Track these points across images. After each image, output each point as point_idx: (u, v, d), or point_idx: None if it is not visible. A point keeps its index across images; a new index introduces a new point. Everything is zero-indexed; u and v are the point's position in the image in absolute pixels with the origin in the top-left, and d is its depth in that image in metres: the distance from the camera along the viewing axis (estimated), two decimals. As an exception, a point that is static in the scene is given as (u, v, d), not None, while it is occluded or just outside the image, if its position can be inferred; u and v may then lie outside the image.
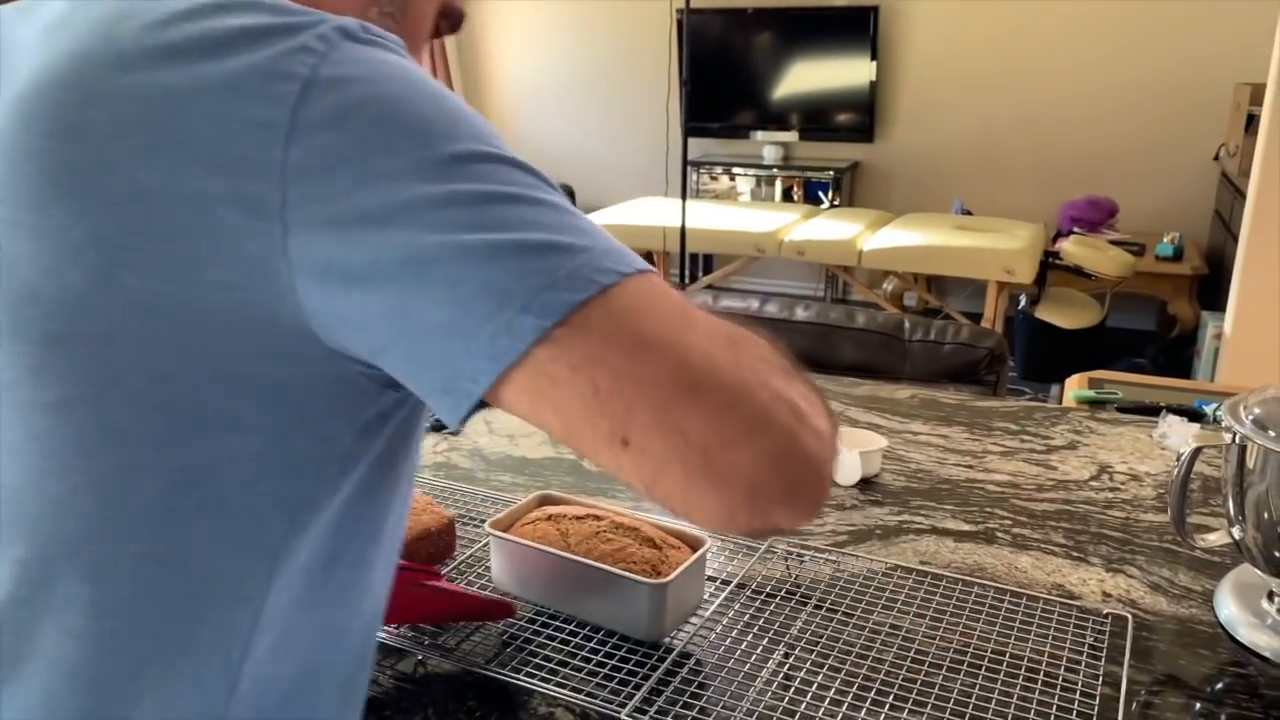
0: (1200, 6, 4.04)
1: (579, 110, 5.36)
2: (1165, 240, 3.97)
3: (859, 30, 4.58)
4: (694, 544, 0.88)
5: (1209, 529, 0.94)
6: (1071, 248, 3.57)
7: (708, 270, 4.93)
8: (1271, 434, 0.82)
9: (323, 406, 0.49)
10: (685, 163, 3.69)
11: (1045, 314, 3.68)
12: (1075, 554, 1.02)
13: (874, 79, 4.62)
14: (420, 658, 0.84)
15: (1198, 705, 0.78)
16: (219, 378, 0.47)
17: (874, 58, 4.59)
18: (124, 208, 0.45)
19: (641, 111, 5.00)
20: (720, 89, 4.92)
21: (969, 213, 4.38)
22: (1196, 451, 0.89)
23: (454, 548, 0.98)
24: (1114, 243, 3.86)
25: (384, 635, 0.86)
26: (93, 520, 0.48)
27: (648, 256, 4.45)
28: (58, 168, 0.47)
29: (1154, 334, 4.20)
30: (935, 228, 3.89)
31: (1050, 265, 3.68)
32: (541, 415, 0.46)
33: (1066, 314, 3.67)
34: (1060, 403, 2.48)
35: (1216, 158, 4.09)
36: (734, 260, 4.48)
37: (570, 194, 5.29)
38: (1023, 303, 3.81)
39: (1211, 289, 3.77)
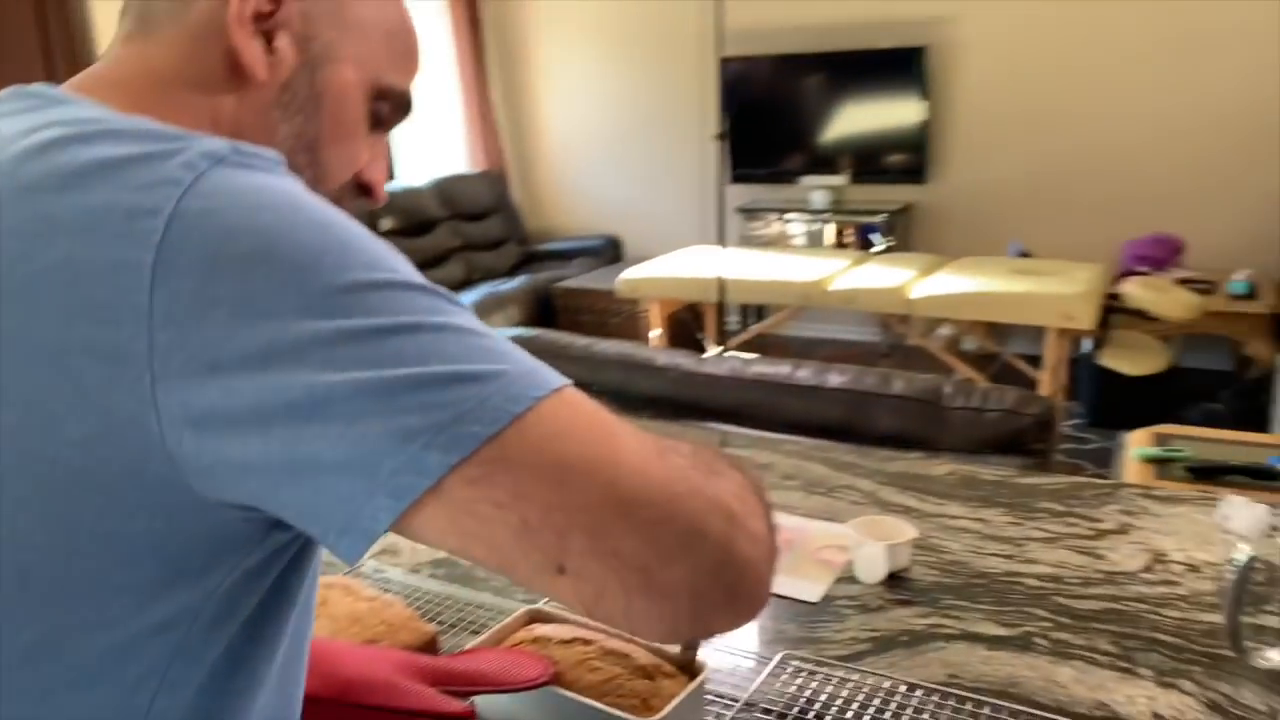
0: (1266, 34, 3.89)
1: (626, 160, 5.35)
2: (1237, 277, 3.78)
3: (908, 71, 4.51)
4: (692, 671, 0.81)
5: (1273, 644, 0.84)
6: (1133, 290, 3.42)
7: (760, 318, 4.85)
8: (1336, 546, 0.73)
9: (199, 560, 0.45)
10: (722, 213, 3.64)
11: (1109, 360, 3.53)
12: (1123, 663, 0.92)
13: (925, 118, 4.53)
14: (391, 797, 0.78)
15: None
16: (79, 538, 0.43)
17: (924, 97, 4.50)
18: None
19: (687, 160, 4.97)
20: (768, 134, 4.87)
21: (1027, 254, 4.24)
22: (1252, 560, 0.79)
23: (441, 664, 0.92)
24: (1182, 281, 3.70)
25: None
26: None
27: (693, 308, 4.39)
28: None
29: (1230, 375, 3.99)
30: (990, 272, 3.77)
31: (1113, 309, 3.53)
32: (470, 550, 0.44)
33: (1131, 360, 3.51)
34: (1124, 457, 2.34)
35: (1289, 190, 3.91)
36: (785, 308, 4.40)
37: (617, 245, 5.28)
38: (1086, 348, 3.65)
39: (1291, 328, 3.58)
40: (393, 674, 0.76)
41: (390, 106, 0.63)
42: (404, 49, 0.63)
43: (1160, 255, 3.93)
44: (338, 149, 0.60)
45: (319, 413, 0.41)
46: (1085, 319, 3.30)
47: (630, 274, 4.13)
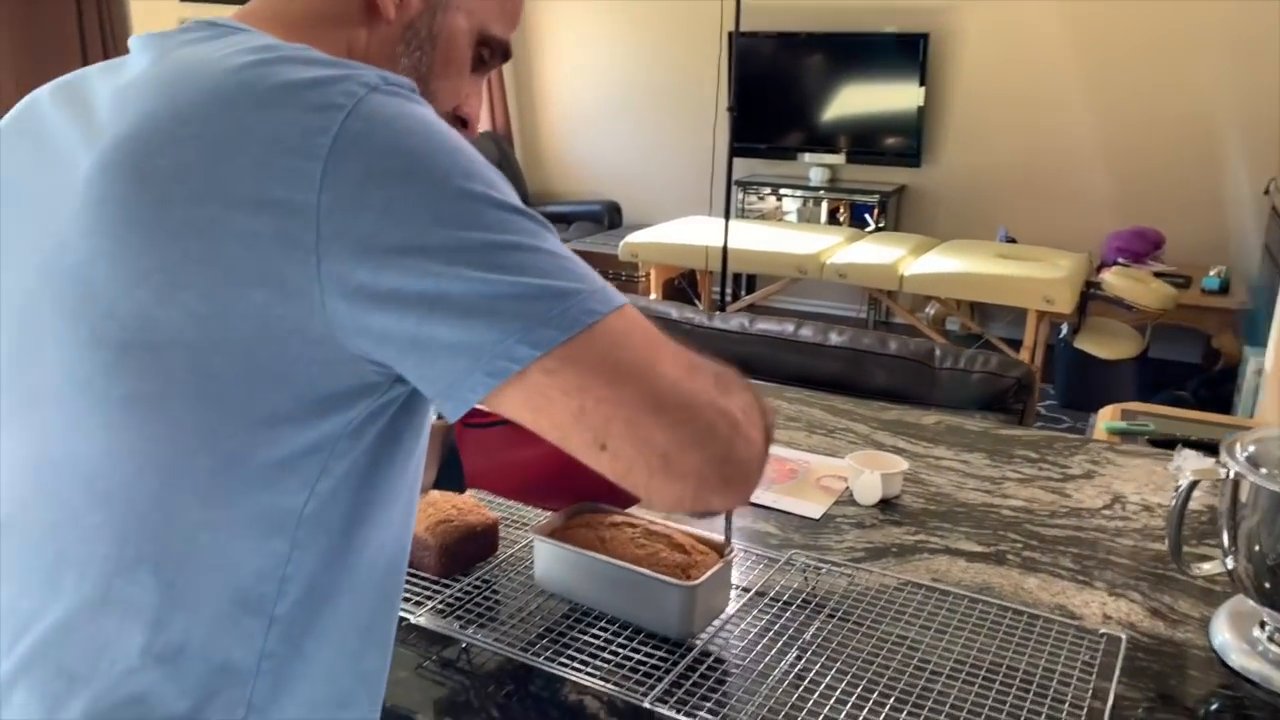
0: (1253, 39, 4.04)
1: (628, 128, 5.46)
2: (1211, 273, 3.96)
3: (909, 56, 4.64)
4: (719, 550, 0.95)
5: (1209, 559, 0.99)
6: (1113, 279, 3.58)
7: (751, 290, 5.00)
8: (1263, 471, 0.88)
9: (343, 398, 0.59)
10: (730, 185, 3.77)
11: (1085, 344, 3.70)
12: (1081, 578, 1.08)
13: (922, 104, 4.67)
14: (464, 645, 0.92)
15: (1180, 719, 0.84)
16: (259, 378, 0.56)
17: (923, 83, 4.64)
18: (183, 239, 0.55)
19: (689, 131, 5.09)
20: (769, 110, 5.00)
21: (1013, 240, 4.40)
22: (1194, 483, 0.94)
23: (497, 547, 1.06)
24: (1159, 274, 3.87)
25: (427, 622, 0.94)
26: (156, 494, 0.57)
27: (690, 275, 4.53)
28: (131, 207, 0.56)
29: (1198, 366, 4.18)
30: (977, 255, 3.92)
31: (1092, 295, 3.70)
32: (539, 423, 0.57)
33: (1106, 344, 3.68)
34: (1093, 431, 2.51)
35: (1267, 192, 4.08)
36: (777, 280, 4.54)
37: (617, 210, 5.39)
38: (1064, 331, 3.82)
39: (1257, 324, 3.76)
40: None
41: (491, 52, 0.76)
42: (511, 7, 0.76)
43: (1140, 248, 4.10)
44: (445, 84, 0.73)
45: (440, 304, 0.54)
46: (1064, 303, 3.46)
47: (633, 238, 4.26)
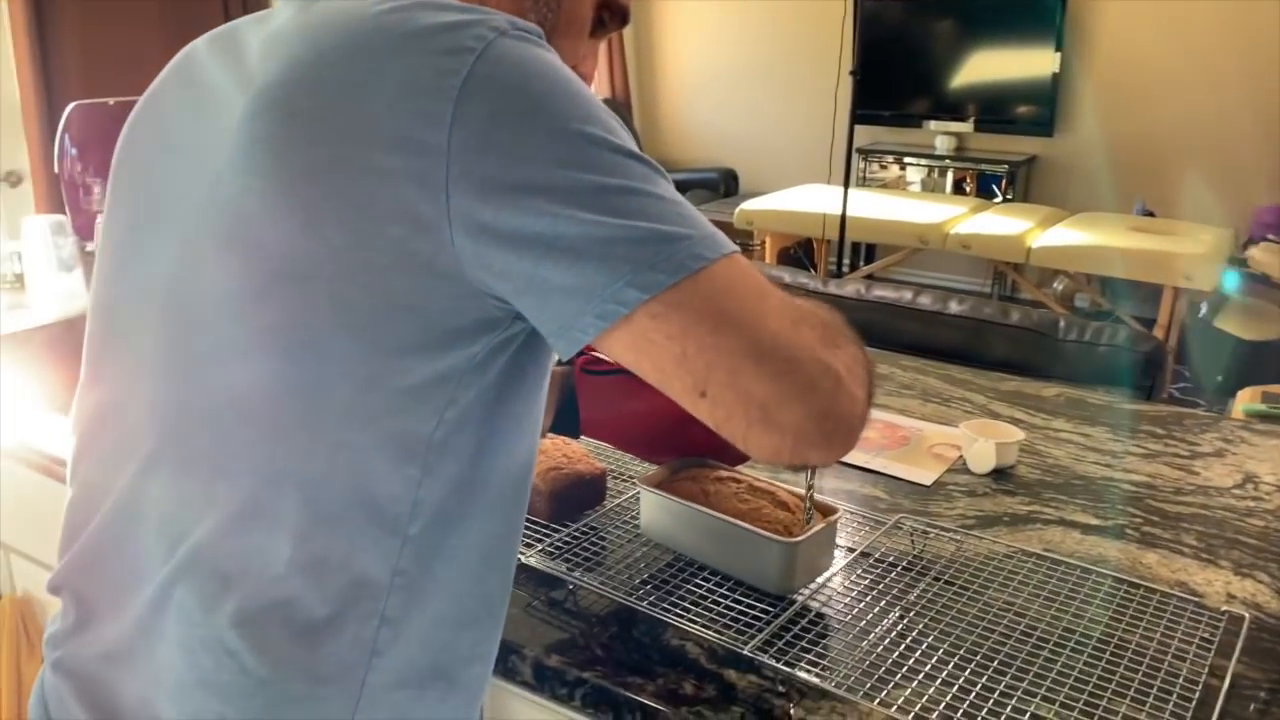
0: None
1: (748, 95, 5.40)
2: (1371, 252, 3.69)
3: (1045, 19, 4.44)
4: (826, 511, 0.96)
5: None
6: (1260, 254, 3.38)
7: (870, 260, 4.90)
8: None
9: (468, 330, 0.61)
10: (850, 150, 3.70)
11: (1225, 324, 3.50)
12: (1205, 555, 1.04)
13: (1057, 70, 4.47)
14: (571, 587, 0.95)
15: (1306, 705, 0.81)
16: (393, 308, 0.59)
17: (1058, 48, 4.44)
18: (326, 176, 0.58)
19: (811, 97, 4.99)
20: (895, 76, 4.86)
21: (1151, 214, 4.19)
22: (1333, 462, 0.90)
23: (604, 496, 1.09)
24: (1312, 252, 3.63)
25: (537, 563, 0.98)
26: (300, 415, 0.61)
27: (806, 244, 4.48)
28: (278, 146, 0.60)
29: (1352, 352, 3.91)
30: (1111, 228, 3.75)
31: (1236, 272, 3.49)
32: (641, 366, 0.59)
33: (1249, 325, 3.48)
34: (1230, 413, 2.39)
35: None
36: (897, 251, 4.44)
37: (734, 178, 5.36)
38: (1203, 310, 3.63)
39: None
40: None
41: (611, 15, 0.78)
42: None
43: (1291, 224, 3.84)
44: (565, 42, 0.75)
45: (556, 246, 0.56)
46: (1204, 280, 3.29)
47: (748, 205, 4.23)
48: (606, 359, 0.94)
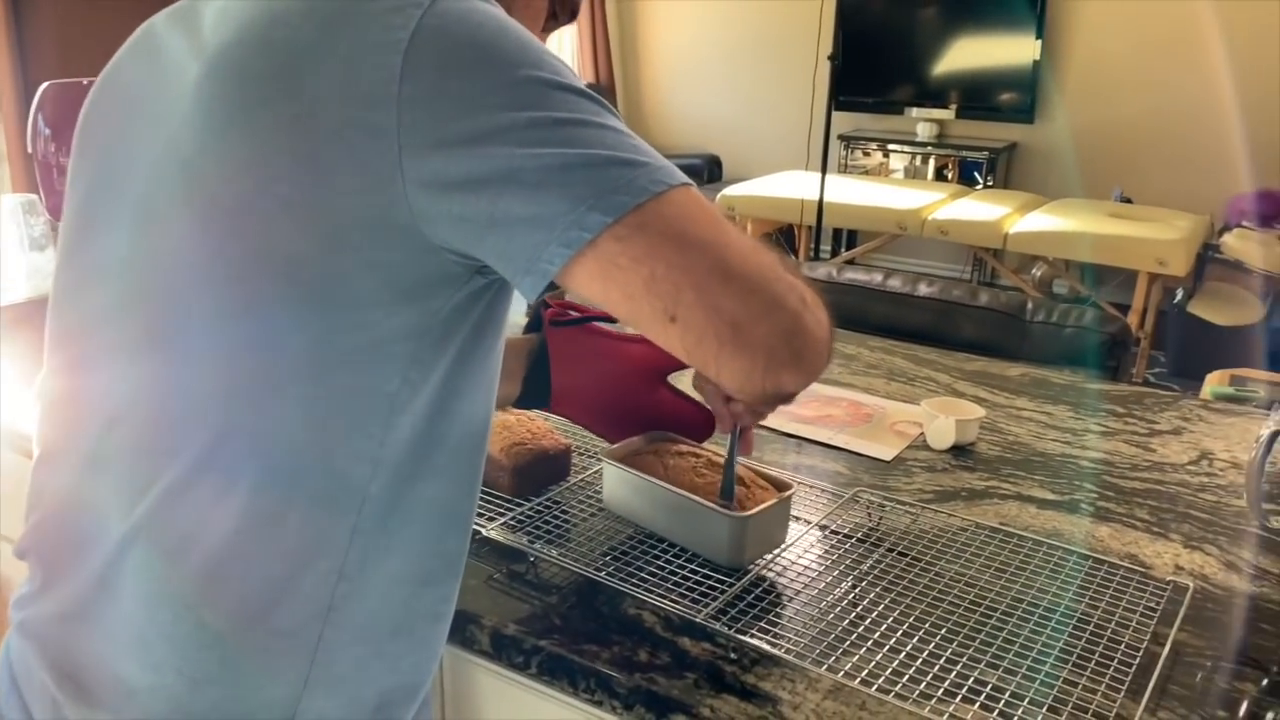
0: None
1: (732, 81, 5.40)
2: (1345, 239, 3.73)
3: (1026, 7, 4.46)
4: (781, 488, 0.97)
5: (1290, 512, 0.97)
6: (1233, 241, 3.41)
7: (850, 246, 4.92)
8: (1348, 423, 0.85)
9: (426, 285, 0.62)
10: (828, 136, 3.71)
11: (1199, 309, 3.54)
12: (1156, 529, 1.06)
13: (1039, 58, 4.49)
14: (532, 559, 0.97)
15: (1246, 670, 0.83)
16: (347, 262, 0.60)
17: (1039, 36, 4.46)
18: (279, 134, 0.60)
19: (793, 84, 4.99)
20: (877, 63, 4.88)
21: (1129, 201, 4.22)
22: (1276, 434, 0.92)
23: (569, 472, 1.10)
24: (1286, 238, 3.66)
25: (499, 536, 0.99)
26: (255, 369, 0.62)
27: (788, 231, 4.49)
28: (232, 106, 0.61)
29: (1324, 338, 3.96)
30: (1088, 214, 3.78)
31: (1210, 259, 3.53)
32: (609, 295, 0.59)
33: (1223, 310, 3.51)
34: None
35: None
36: (877, 237, 4.46)
37: (716, 164, 5.36)
38: (1178, 296, 3.66)
39: (1393, 294, 3.53)
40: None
41: (561, 8, 0.81)
42: None
43: (1265, 211, 3.88)
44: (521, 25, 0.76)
45: (513, 180, 0.57)
46: (1178, 265, 3.32)
47: (731, 191, 4.24)
48: (574, 311, 0.96)
